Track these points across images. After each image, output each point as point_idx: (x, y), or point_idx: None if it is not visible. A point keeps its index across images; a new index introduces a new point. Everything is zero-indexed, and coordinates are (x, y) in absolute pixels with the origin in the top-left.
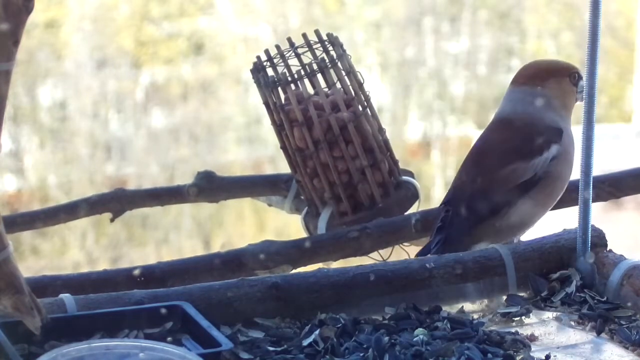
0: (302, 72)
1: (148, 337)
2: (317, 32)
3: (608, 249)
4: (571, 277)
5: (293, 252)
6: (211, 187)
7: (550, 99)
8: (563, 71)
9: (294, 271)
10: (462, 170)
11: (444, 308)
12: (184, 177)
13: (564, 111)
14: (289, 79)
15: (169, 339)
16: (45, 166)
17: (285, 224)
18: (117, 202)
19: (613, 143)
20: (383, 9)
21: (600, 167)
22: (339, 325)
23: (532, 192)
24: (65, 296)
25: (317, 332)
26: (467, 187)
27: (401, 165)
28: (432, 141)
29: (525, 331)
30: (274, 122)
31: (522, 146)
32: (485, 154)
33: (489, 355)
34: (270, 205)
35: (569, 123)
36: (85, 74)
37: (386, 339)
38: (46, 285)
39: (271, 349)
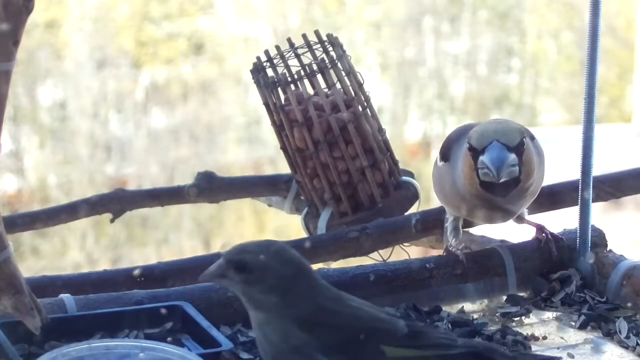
0: (302, 73)
1: (148, 337)
2: (317, 33)
3: (608, 249)
4: (571, 277)
5: None
6: (211, 187)
7: None
8: None
9: None
10: None
11: (444, 308)
12: (184, 177)
13: None
14: (289, 79)
15: (169, 339)
16: (45, 166)
17: (285, 225)
18: (117, 202)
19: (613, 143)
20: (383, 9)
21: (600, 167)
22: None
23: None
24: (65, 296)
25: None
26: None
27: (401, 165)
28: (432, 141)
29: (525, 331)
30: (274, 122)
31: None
32: None
33: None
34: (270, 205)
35: None
36: (85, 74)
37: None
38: (46, 286)
39: None
